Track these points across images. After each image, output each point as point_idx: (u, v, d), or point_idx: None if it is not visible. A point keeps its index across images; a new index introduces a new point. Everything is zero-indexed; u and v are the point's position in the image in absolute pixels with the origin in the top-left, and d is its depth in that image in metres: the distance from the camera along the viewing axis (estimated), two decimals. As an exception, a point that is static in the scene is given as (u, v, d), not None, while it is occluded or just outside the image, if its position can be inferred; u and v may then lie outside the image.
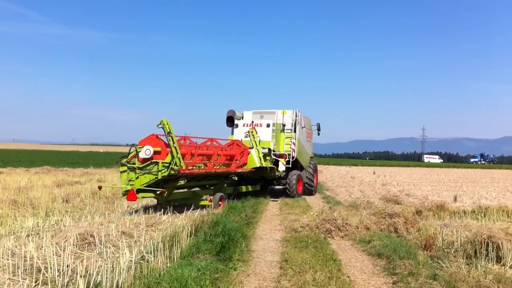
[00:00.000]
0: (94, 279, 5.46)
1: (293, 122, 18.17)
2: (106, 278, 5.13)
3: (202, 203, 12.69)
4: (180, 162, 11.10)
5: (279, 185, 18.00)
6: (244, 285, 5.96)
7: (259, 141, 16.55)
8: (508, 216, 11.29)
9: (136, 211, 11.66)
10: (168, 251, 6.69)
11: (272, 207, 14.69)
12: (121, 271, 5.41)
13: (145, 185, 11.26)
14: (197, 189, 14.24)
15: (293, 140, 17.89)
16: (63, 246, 6.79)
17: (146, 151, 11.21)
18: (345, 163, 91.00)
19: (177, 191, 13.08)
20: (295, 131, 18.08)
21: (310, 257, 7.28)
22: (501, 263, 6.80)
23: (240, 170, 14.97)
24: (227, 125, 18.53)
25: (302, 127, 18.87)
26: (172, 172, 11.03)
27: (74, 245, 7.10)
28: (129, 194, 11.24)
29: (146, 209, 12.04)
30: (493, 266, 6.44)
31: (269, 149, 17.16)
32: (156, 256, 6.40)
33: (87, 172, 27.64)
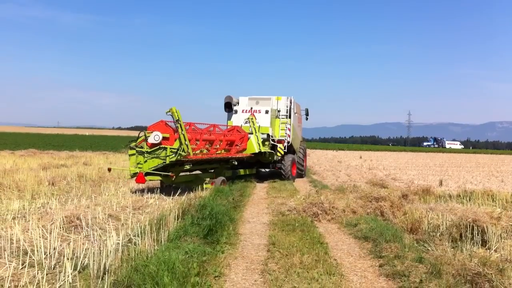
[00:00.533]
0: (81, 261, 5.45)
1: (288, 109, 18.67)
2: (93, 261, 5.11)
3: (205, 186, 12.98)
4: (188, 148, 11.55)
5: (274, 168, 18.60)
6: (232, 267, 5.98)
7: (259, 127, 17.00)
8: (493, 200, 11.40)
9: (123, 194, 11.63)
10: (155, 234, 6.68)
11: (259, 191, 14.73)
12: (108, 253, 5.40)
13: (153, 168, 11.68)
14: (198, 172, 14.69)
15: (288, 126, 18.42)
16: (50, 228, 6.74)
17: (155, 137, 11.65)
18: (331, 147, 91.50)
19: (181, 174, 13.31)
20: (289, 117, 18.60)
21: (297, 240, 7.31)
22: (486, 246, 6.87)
23: (240, 155, 15.45)
24: (225, 111, 18.79)
25: (295, 113, 19.32)
26: (179, 157, 11.46)
27: (60, 228, 7.07)
28: (138, 177, 11.65)
29: (133, 192, 12.03)
30: (478, 250, 6.50)
31: (268, 134, 17.60)
32: (144, 239, 6.39)
33: (72, 155, 27.44)
